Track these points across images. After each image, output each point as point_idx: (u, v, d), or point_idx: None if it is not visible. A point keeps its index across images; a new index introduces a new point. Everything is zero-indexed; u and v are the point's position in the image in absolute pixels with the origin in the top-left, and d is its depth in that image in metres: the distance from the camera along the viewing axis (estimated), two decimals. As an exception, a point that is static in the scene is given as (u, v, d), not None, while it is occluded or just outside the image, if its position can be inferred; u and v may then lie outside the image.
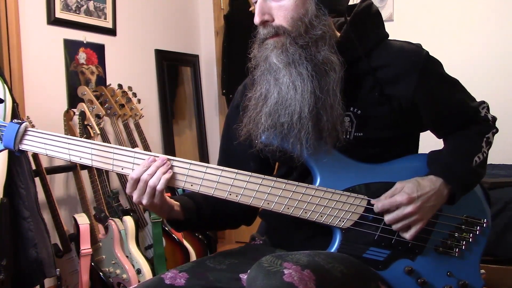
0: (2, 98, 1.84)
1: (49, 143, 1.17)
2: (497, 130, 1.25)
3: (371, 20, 1.21)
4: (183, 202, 1.24)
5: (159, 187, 1.10)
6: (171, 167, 1.12)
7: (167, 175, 1.10)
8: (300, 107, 1.07)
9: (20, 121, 1.18)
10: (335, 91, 1.08)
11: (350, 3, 1.22)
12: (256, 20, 1.11)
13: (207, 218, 1.27)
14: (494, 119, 1.26)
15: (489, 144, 1.21)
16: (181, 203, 1.23)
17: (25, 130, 1.18)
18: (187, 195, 1.26)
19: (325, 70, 1.08)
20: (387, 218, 1.12)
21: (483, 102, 1.25)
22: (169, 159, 1.12)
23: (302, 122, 1.07)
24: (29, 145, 1.17)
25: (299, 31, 1.08)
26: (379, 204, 1.12)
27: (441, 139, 1.27)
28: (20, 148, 1.18)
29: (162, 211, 1.19)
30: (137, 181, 1.11)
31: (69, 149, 1.15)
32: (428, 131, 1.27)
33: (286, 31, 1.09)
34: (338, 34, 1.20)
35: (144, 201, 1.11)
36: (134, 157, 1.13)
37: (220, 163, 1.33)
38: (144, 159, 1.12)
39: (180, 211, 1.22)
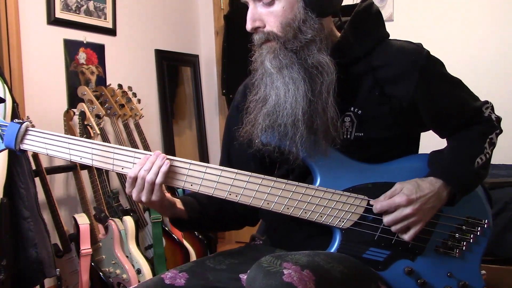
0: (2, 97, 1.84)
1: (50, 142, 1.17)
2: (501, 131, 1.24)
3: (372, 19, 1.21)
4: (186, 201, 1.24)
5: (157, 180, 1.10)
6: (168, 160, 1.11)
7: (164, 168, 1.10)
8: (294, 110, 1.08)
9: (21, 121, 1.19)
10: (327, 94, 1.09)
11: (350, 3, 1.22)
12: (248, 26, 1.12)
13: (211, 217, 1.27)
14: (498, 119, 1.24)
15: (492, 145, 1.20)
16: (183, 201, 1.23)
17: (26, 130, 1.18)
18: (190, 195, 1.26)
19: (316, 74, 1.09)
20: (386, 219, 1.12)
21: (487, 102, 1.24)
22: (168, 159, 1.12)
23: (296, 125, 1.08)
24: (30, 144, 1.18)
25: (288, 36, 1.09)
26: (377, 205, 1.12)
27: (444, 139, 1.26)
28: (21, 148, 1.18)
29: (163, 208, 1.19)
30: (135, 179, 1.11)
31: (69, 148, 1.16)
32: (430, 131, 1.26)
33: (276, 37, 1.10)
34: (339, 34, 1.20)
35: (143, 198, 1.11)
36: (134, 157, 1.13)
37: (222, 163, 1.33)
38: None
39: (183, 210, 1.23)
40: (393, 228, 1.12)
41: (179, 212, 1.23)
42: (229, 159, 1.33)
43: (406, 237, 1.12)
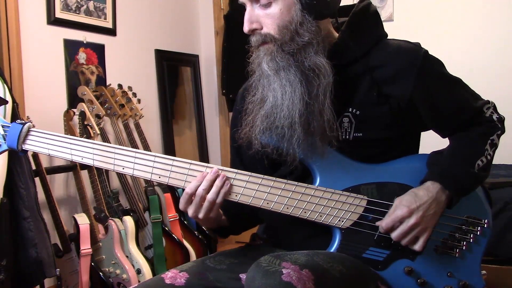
0: (5, 99, 1.84)
1: (51, 143, 1.18)
2: (503, 131, 1.22)
3: (369, 20, 1.21)
4: (224, 208, 1.23)
5: (218, 200, 1.11)
6: (227, 178, 1.11)
7: (225, 189, 1.10)
8: (290, 112, 1.08)
9: (23, 121, 1.20)
10: (324, 96, 1.09)
11: (350, 3, 1.22)
12: (245, 28, 1.13)
13: (246, 217, 1.29)
14: (501, 119, 1.23)
15: (494, 146, 1.19)
16: (222, 210, 1.23)
17: (28, 130, 1.19)
18: None
19: (313, 76, 1.09)
20: (394, 235, 1.11)
21: (488, 101, 1.23)
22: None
23: (293, 127, 1.09)
24: (32, 145, 1.19)
25: (285, 39, 1.10)
26: (383, 223, 1.12)
27: (446, 138, 1.25)
28: (23, 148, 1.19)
29: (216, 222, 1.20)
30: (191, 195, 1.11)
31: (71, 149, 1.17)
32: (430, 131, 1.26)
33: (273, 39, 1.11)
34: (337, 35, 1.20)
35: (201, 215, 1.11)
36: (135, 157, 1.13)
37: (235, 165, 1.33)
38: (146, 159, 1.12)
39: (225, 219, 1.24)
40: (403, 242, 1.11)
41: (223, 221, 1.24)
42: (238, 160, 1.34)
43: (417, 247, 1.12)
